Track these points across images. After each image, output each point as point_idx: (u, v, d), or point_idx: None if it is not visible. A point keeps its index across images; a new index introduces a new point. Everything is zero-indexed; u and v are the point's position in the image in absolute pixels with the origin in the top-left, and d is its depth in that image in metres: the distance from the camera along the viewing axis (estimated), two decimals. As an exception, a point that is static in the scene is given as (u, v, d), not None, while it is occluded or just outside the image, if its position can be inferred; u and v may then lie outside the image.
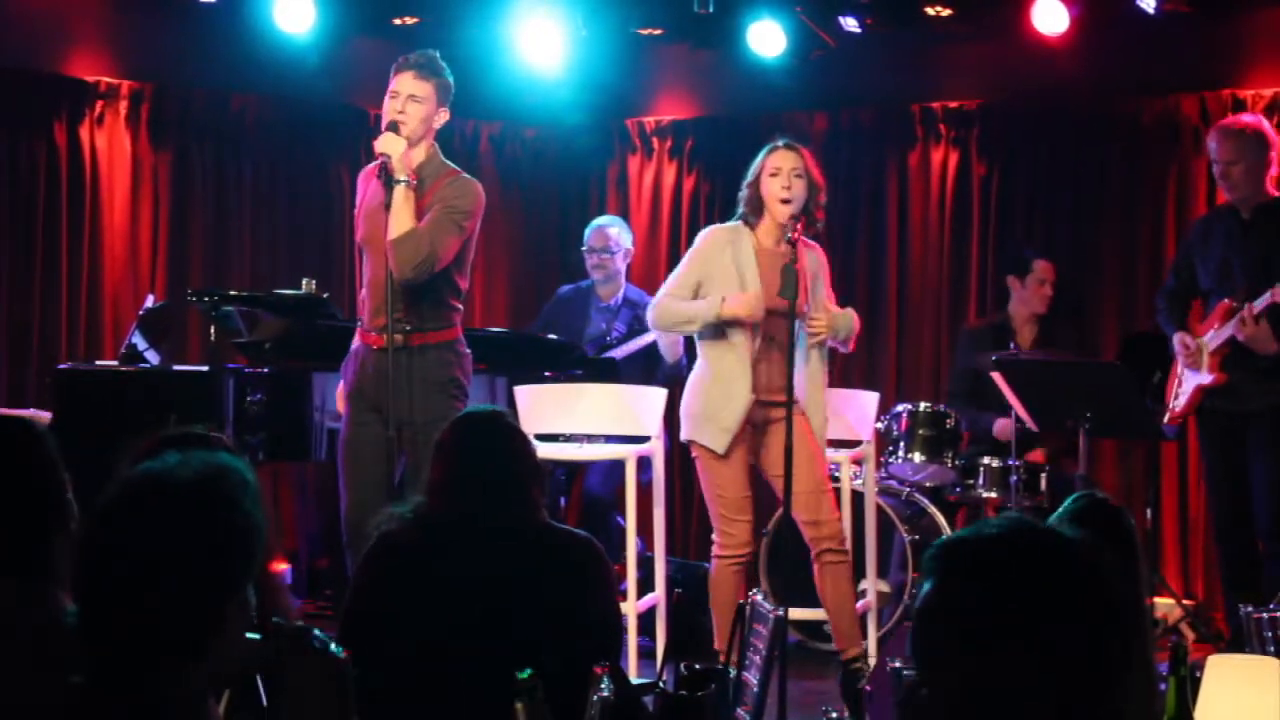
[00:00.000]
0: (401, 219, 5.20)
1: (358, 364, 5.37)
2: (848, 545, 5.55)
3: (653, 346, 7.07)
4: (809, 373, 5.48)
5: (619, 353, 7.21)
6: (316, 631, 2.23)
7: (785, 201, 5.43)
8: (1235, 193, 6.06)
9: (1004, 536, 1.78)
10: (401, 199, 5.21)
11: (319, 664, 2.16)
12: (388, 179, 5.22)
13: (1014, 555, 1.76)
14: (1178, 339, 6.14)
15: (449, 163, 5.45)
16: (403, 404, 5.22)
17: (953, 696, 1.75)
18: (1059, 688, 1.72)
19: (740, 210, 5.59)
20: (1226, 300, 5.99)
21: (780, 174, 5.45)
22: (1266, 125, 6.26)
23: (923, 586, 1.80)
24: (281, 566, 7.13)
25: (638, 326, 7.25)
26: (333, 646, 2.19)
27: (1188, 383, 6.13)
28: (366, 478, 5.25)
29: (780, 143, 5.54)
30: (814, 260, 5.61)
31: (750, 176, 5.54)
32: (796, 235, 5.37)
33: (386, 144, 5.26)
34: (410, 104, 5.30)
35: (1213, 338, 6.02)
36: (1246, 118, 6.35)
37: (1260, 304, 5.84)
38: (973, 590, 1.75)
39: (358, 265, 5.45)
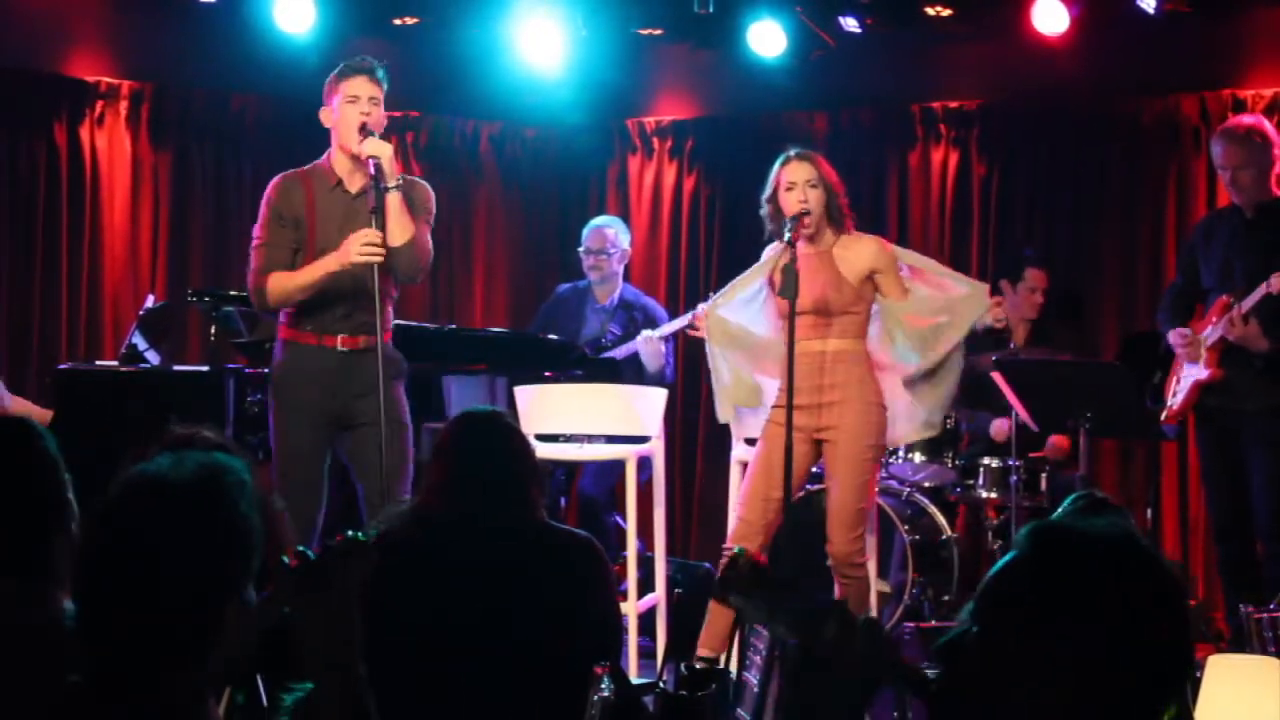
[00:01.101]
0: (405, 224, 5.20)
1: (318, 369, 5.27)
2: (862, 565, 5.49)
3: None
4: (846, 378, 5.46)
5: (615, 354, 7.22)
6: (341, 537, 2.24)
7: (804, 214, 5.42)
8: (1243, 196, 6.06)
9: (1104, 537, 1.80)
10: (399, 205, 5.20)
11: (325, 599, 2.17)
12: (377, 185, 5.18)
13: (1105, 555, 1.78)
14: (1174, 333, 6.14)
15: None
16: (372, 401, 5.21)
17: (1000, 665, 1.76)
18: (1099, 691, 1.73)
19: (768, 227, 5.56)
20: (1224, 296, 5.99)
21: (795, 187, 5.43)
22: (1267, 124, 6.26)
23: (1010, 555, 1.82)
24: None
25: (633, 328, 7.25)
26: (359, 535, 2.20)
27: (1185, 379, 6.13)
28: (307, 486, 5.23)
29: (791, 154, 5.50)
30: (861, 254, 5.52)
31: (768, 191, 5.52)
32: (796, 236, 5.36)
33: (377, 147, 5.18)
34: (373, 106, 5.28)
35: (1210, 334, 6.02)
36: (1247, 119, 6.34)
37: (1248, 303, 5.84)
38: (1055, 573, 1.77)
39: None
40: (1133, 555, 1.79)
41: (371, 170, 5.17)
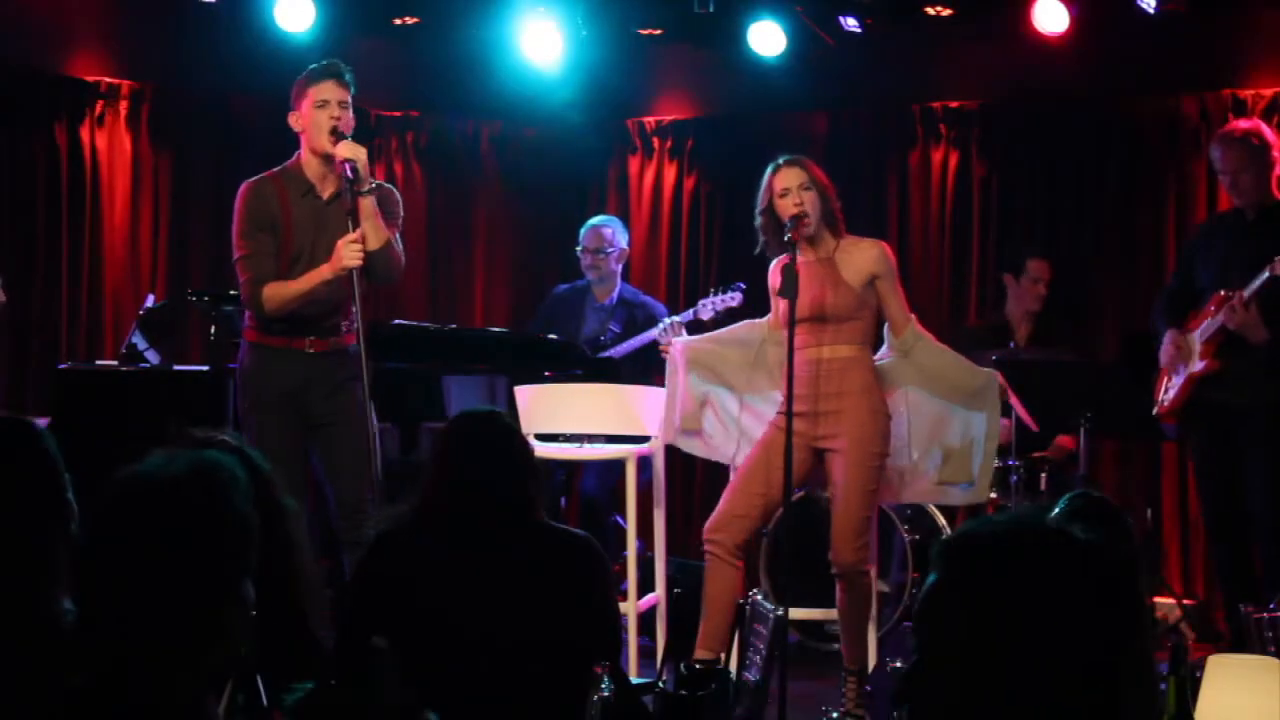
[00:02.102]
0: (380, 228, 5.21)
1: (288, 370, 5.28)
2: (866, 572, 5.46)
3: (650, 346, 7.05)
4: (846, 386, 5.44)
5: (615, 353, 7.21)
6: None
7: (803, 216, 5.40)
8: (1244, 199, 6.06)
9: (1010, 532, 1.78)
10: (373, 209, 5.21)
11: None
12: (353, 188, 5.15)
13: (1018, 550, 1.76)
14: (1168, 337, 6.12)
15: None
16: (332, 398, 5.25)
17: (952, 690, 1.75)
18: (1055, 684, 1.72)
19: (761, 240, 5.55)
20: (1221, 291, 5.97)
21: (790, 192, 5.41)
22: (1265, 127, 6.26)
23: (929, 578, 1.81)
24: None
25: (633, 327, 7.25)
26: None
27: (1179, 373, 6.10)
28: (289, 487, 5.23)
29: (780, 161, 5.50)
30: (863, 258, 5.49)
31: (760, 204, 5.49)
32: (796, 236, 5.35)
33: (352, 150, 5.17)
34: (342, 110, 5.29)
35: (1206, 328, 6.00)
36: (1244, 123, 6.34)
37: (1251, 289, 5.82)
38: (976, 583, 1.75)
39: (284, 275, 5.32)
40: (1036, 539, 1.78)
41: (348, 173, 5.17)
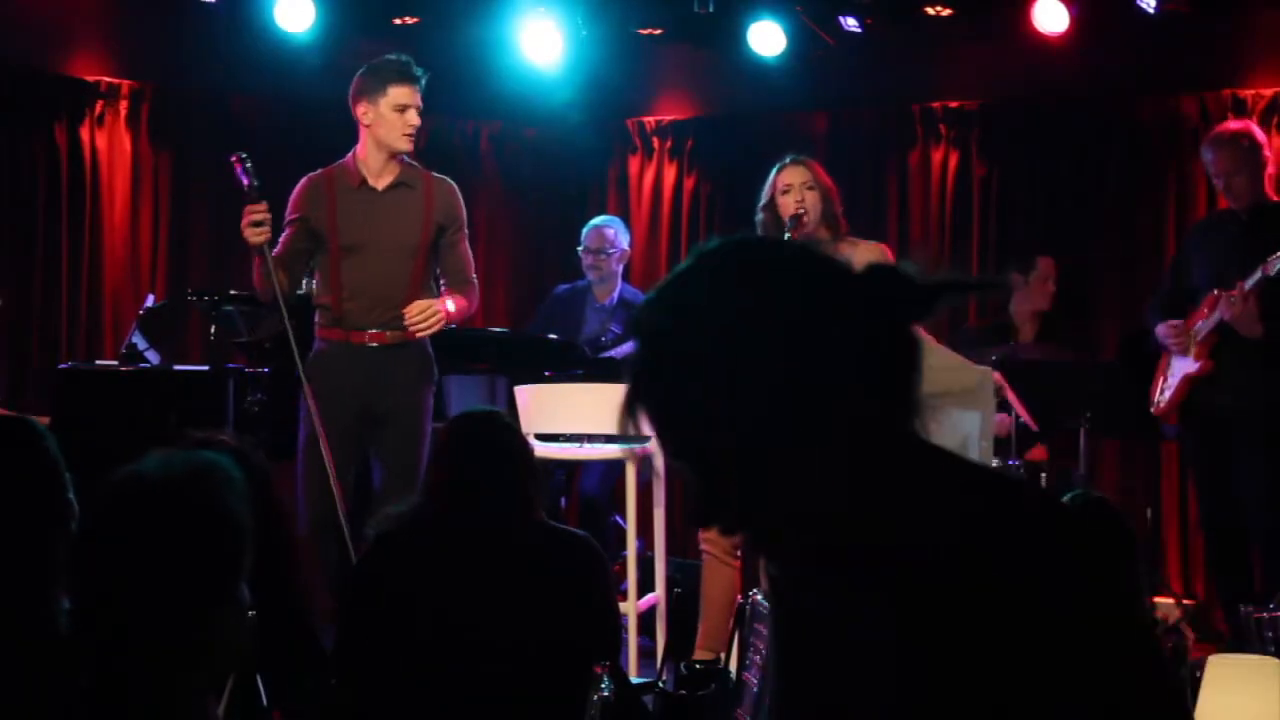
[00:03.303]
0: (432, 318, 5.32)
1: (348, 364, 5.34)
2: None
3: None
4: None
5: (616, 353, 7.21)
6: None
7: (801, 214, 5.42)
8: (1238, 201, 6.06)
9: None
10: (425, 316, 5.32)
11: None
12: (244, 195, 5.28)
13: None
14: (1164, 325, 6.11)
15: (413, 162, 5.52)
16: (392, 397, 5.31)
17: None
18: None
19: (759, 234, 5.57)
20: (1215, 291, 5.97)
21: (791, 189, 5.44)
22: (1255, 128, 6.26)
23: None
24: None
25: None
26: None
27: (1174, 375, 6.10)
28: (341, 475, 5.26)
29: (787, 160, 5.53)
30: (861, 261, 5.48)
31: (763, 199, 5.52)
32: (796, 235, 5.36)
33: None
34: (417, 116, 5.38)
35: (1200, 328, 5.99)
36: (1234, 125, 6.34)
37: (1251, 281, 5.82)
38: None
39: (335, 268, 5.39)
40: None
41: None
